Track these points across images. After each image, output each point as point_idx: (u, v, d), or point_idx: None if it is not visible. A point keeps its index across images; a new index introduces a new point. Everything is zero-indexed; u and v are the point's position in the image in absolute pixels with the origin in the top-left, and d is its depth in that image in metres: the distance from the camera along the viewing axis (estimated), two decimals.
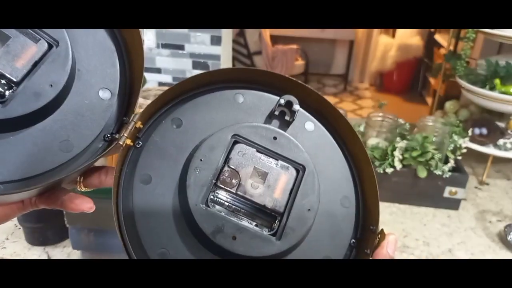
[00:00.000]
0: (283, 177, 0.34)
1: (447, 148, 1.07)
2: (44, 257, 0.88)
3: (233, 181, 0.34)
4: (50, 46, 0.32)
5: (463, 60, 1.23)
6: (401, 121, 1.14)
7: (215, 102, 0.37)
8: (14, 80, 0.31)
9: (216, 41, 1.59)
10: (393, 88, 4.13)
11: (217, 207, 0.33)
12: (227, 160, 0.34)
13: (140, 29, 0.36)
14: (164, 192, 0.33)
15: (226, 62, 1.51)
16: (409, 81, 4.13)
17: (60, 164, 0.33)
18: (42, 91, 0.31)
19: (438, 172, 1.01)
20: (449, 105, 1.36)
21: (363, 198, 0.36)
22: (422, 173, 1.01)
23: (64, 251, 0.89)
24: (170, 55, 1.66)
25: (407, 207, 1.06)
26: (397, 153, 1.02)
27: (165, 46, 1.66)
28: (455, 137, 1.08)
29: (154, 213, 0.33)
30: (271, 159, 0.35)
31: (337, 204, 0.35)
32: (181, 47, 1.60)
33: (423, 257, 0.89)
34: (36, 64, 0.32)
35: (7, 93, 0.31)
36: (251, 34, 3.37)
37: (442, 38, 3.29)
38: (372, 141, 1.12)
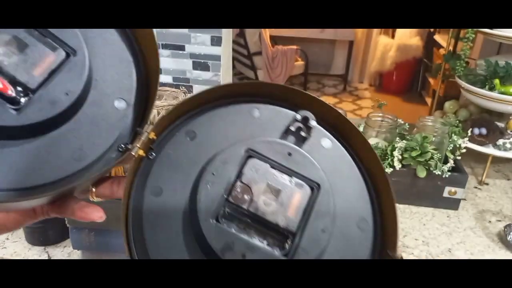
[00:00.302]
0: (297, 195, 0.33)
1: (446, 148, 1.07)
2: (44, 257, 0.88)
3: (245, 197, 0.32)
4: (67, 55, 0.32)
5: (462, 60, 1.23)
6: (400, 121, 1.14)
7: (230, 116, 0.36)
8: (31, 87, 0.31)
9: (216, 41, 1.59)
10: (393, 88, 4.13)
11: (228, 223, 0.32)
12: (239, 175, 0.33)
13: (156, 41, 0.36)
14: (175, 205, 0.33)
15: (226, 63, 1.51)
16: (408, 81, 4.13)
17: (73, 173, 0.33)
18: (58, 99, 0.31)
19: (437, 172, 1.01)
20: (448, 105, 1.36)
21: (381, 220, 0.34)
22: (422, 173, 1.01)
23: (64, 251, 0.89)
24: (170, 55, 1.66)
25: (406, 207, 1.06)
26: (396, 153, 1.02)
27: (165, 46, 1.66)
28: (455, 137, 1.08)
29: (163, 225, 0.32)
30: (285, 176, 0.34)
31: (354, 226, 0.34)
32: (182, 48, 1.60)
33: (423, 257, 0.89)
34: (53, 73, 0.32)
35: (22, 100, 0.31)
36: (251, 34, 3.37)
37: (441, 38, 3.29)
38: (371, 141, 1.12)
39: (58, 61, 0.32)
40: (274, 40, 3.71)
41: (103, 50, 0.36)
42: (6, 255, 0.86)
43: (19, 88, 0.30)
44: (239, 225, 0.32)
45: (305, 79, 4.03)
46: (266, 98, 0.37)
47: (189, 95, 0.37)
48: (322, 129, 0.36)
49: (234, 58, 3.42)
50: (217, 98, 0.37)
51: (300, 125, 0.35)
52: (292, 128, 0.35)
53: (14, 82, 0.30)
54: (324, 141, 0.36)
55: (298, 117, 0.35)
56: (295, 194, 0.33)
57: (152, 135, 0.34)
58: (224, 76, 1.45)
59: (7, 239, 0.90)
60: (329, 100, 4.04)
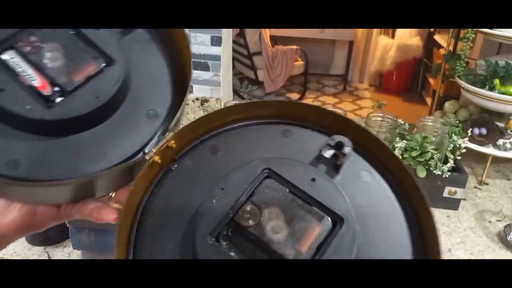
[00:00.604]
0: (315, 228, 0.28)
1: (446, 148, 1.07)
2: (45, 257, 0.88)
3: (253, 219, 0.29)
4: (107, 64, 0.35)
5: (462, 60, 1.23)
6: (400, 121, 1.14)
7: (258, 135, 0.35)
8: (66, 89, 0.33)
9: (216, 41, 1.59)
10: (393, 88, 4.13)
11: (228, 244, 0.29)
12: (252, 194, 0.30)
13: (192, 58, 0.37)
14: (180, 219, 0.31)
15: (226, 63, 1.51)
16: (408, 81, 4.13)
17: (92, 173, 0.33)
18: (87, 101, 0.33)
19: (437, 172, 1.01)
20: (448, 105, 1.36)
21: None
22: (422, 173, 1.01)
23: (64, 251, 0.89)
24: None
25: None
26: (396, 153, 1.02)
27: None
28: (455, 137, 1.08)
29: (164, 237, 0.31)
30: (305, 203, 0.30)
31: None
32: None
33: None
34: (90, 79, 0.34)
35: (57, 99, 0.33)
36: (251, 34, 3.37)
37: (441, 38, 3.29)
38: None
39: (97, 69, 0.34)
40: (274, 40, 3.71)
41: (144, 63, 0.37)
42: (6, 255, 0.86)
43: (56, 89, 0.33)
44: (240, 248, 0.29)
45: (305, 79, 4.03)
46: (301, 122, 0.35)
47: (215, 110, 0.36)
48: (361, 157, 0.33)
49: (234, 58, 3.42)
50: (247, 115, 0.35)
51: (335, 151, 0.32)
52: (327, 155, 0.32)
53: (53, 83, 0.33)
54: (364, 173, 0.32)
55: (331, 142, 0.32)
56: (312, 225, 0.29)
57: (172, 143, 0.34)
58: (224, 76, 1.45)
59: None
60: (329, 100, 4.04)
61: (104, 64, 0.35)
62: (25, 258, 0.86)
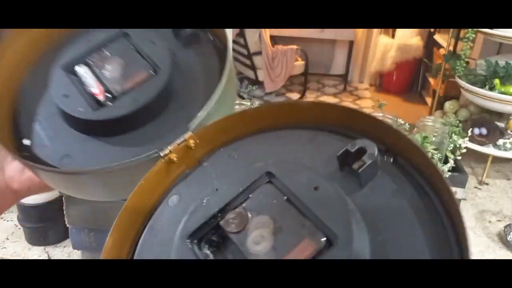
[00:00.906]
0: (303, 243, 0.25)
1: (446, 148, 1.06)
2: (44, 257, 0.88)
3: (237, 225, 0.26)
4: (155, 72, 0.38)
5: (462, 60, 1.23)
6: (400, 121, 1.14)
7: (283, 142, 0.32)
8: (115, 95, 0.38)
9: None
10: (393, 88, 4.13)
11: (208, 247, 0.28)
12: (246, 199, 0.28)
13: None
14: (178, 219, 0.30)
15: None
16: (408, 81, 4.13)
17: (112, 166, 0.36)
18: (128, 105, 0.37)
19: None
20: (448, 105, 1.36)
21: None
22: None
23: (64, 251, 0.89)
24: None
25: None
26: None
27: None
28: (455, 137, 1.08)
29: (161, 235, 0.31)
30: (299, 214, 0.26)
31: None
32: None
33: None
34: (137, 85, 0.38)
35: (107, 104, 0.38)
36: (251, 34, 3.37)
37: (441, 38, 3.28)
38: None
39: (145, 77, 0.38)
40: (274, 40, 3.71)
41: (191, 70, 0.40)
42: (6, 255, 0.86)
43: (108, 95, 0.38)
44: (217, 253, 0.27)
45: (305, 79, 4.03)
46: (331, 126, 0.31)
47: (237, 111, 0.35)
48: (396, 168, 0.28)
49: (234, 58, 3.41)
50: (275, 121, 0.33)
51: (355, 158, 0.27)
52: (356, 165, 0.27)
53: (107, 90, 0.38)
54: (393, 184, 0.27)
55: (352, 148, 0.27)
56: (300, 241, 0.25)
57: (191, 143, 0.34)
58: None
59: (7, 239, 0.90)
60: (329, 100, 4.04)
61: (152, 73, 0.38)
62: (25, 258, 0.86)
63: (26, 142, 0.39)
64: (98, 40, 0.39)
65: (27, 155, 0.38)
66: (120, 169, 0.34)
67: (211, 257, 0.27)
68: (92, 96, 0.38)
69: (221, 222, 0.27)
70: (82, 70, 0.39)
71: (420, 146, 0.27)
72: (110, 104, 0.38)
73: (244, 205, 0.27)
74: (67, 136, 0.38)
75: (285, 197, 0.27)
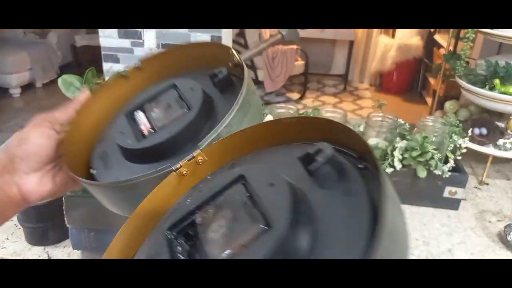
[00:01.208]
0: (248, 230, 0.28)
1: (447, 148, 1.07)
2: (44, 257, 0.88)
3: (204, 218, 0.31)
4: (188, 109, 0.46)
5: (462, 60, 1.23)
6: (400, 121, 1.14)
7: (273, 154, 0.37)
8: (155, 130, 0.47)
9: (216, 41, 1.58)
10: (393, 88, 4.13)
11: (180, 238, 0.32)
12: (218, 197, 0.33)
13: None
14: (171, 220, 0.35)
15: None
16: (408, 81, 4.13)
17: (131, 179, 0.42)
18: (160, 137, 0.45)
19: (437, 172, 1.01)
20: (448, 105, 1.36)
21: None
22: (422, 173, 1.01)
23: (64, 251, 0.89)
24: None
25: (406, 207, 1.06)
26: (396, 153, 1.02)
27: (165, 46, 1.65)
28: (455, 137, 1.08)
29: (156, 236, 0.35)
30: (252, 207, 0.30)
31: None
32: None
33: (423, 257, 0.89)
34: (175, 121, 0.46)
35: (149, 136, 0.47)
36: (251, 34, 3.37)
37: (441, 38, 3.29)
38: (372, 141, 1.12)
39: (180, 114, 0.47)
40: None
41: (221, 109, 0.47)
42: (6, 255, 0.86)
43: (151, 130, 0.47)
44: (185, 244, 0.32)
45: (305, 79, 4.03)
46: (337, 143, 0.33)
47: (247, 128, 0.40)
48: (367, 174, 0.30)
49: None
50: (281, 140, 0.38)
51: (314, 160, 0.30)
52: (307, 164, 0.31)
53: (152, 127, 0.47)
54: (343, 182, 0.29)
55: (312, 150, 0.30)
56: (248, 228, 0.29)
57: (199, 160, 0.39)
58: None
59: (7, 239, 0.91)
60: (329, 100, 4.04)
61: (186, 110, 0.46)
62: (25, 258, 0.86)
63: (93, 171, 0.48)
64: (153, 92, 0.50)
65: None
66: (140, 182, 0.39)
67: (186, 247, 0.31)
68: (140, 132, 0.47)
69: (197, 217, 0.32)
70: (138, 114, 0.50)
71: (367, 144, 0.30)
72: (148, 134, 0.47)
73: (215, 201, 0.32)
74: (119, 164, 0.47)
75: (247, 194, 0.31)
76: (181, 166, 0.39)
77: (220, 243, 0.29)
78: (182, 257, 0.31)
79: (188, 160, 0.39)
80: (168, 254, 0.31)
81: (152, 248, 0.34)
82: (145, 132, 0.47)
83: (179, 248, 0.32)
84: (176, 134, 0.44)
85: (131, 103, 0.51)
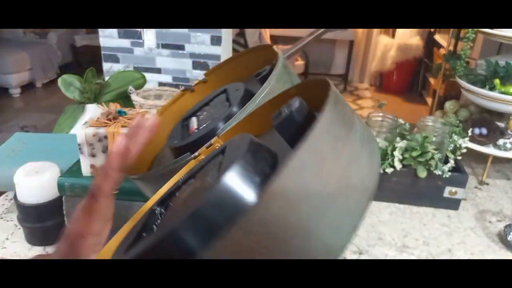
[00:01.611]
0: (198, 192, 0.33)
1: (447, 148, 1.07)
2: None
3: (181, 191, 0.35)
4: (229, 114, 0.50)
5: (462, 60, 1.23)
6: (401, 121, 1.14)
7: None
8: (200, 128, 0.52)
9: (216, 41, 1.58)
10: (393, 88, 4.13)
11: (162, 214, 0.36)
12: (201, 169, 0.36)
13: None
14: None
15: None
16: (409, 81, 4.13)
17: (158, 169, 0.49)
18: (199, 133, 0.50)
19: (438, 172, 1.01)
20: (449, 105, 1.36)
21: None
22: (422, 173, 1.01)
23: None
24: (170, 55, 1.66)
25: (406, 207, 1.06)
26: (397, 153, 1.02)
27: (165, 46, 1.65)
28: (455, 137, 1.08)
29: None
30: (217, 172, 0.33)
31: None
32: (181, 47, 1.60)
33: (423, 257, 0.89)
34: (215, 119, 0.51)
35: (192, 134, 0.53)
36: (251, 34, 3.37)
37: (442, 38, 3.29)
38: None
39: (222, 112, 0.51)
40: (274, 40, 3.72)
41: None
42: (6, 255, 0.86)
43: (196, 130, 0.53)
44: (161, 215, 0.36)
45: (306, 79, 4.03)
46: None
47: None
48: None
49: None
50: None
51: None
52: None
53: (197, 127, 0.53)
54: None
55: (285, 107, 0.33)
56: (198, 192, 0.32)
57: (216, 144, 0.42)
58: None
59: (7, 239, 0.91)
60: None
61: (227, 108, 0.50)
62: (25, 258, 0.86)
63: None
64: (206, 99, 0.56)
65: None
66: (167, 171, 0.42)
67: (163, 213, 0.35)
68: (188, 132, 0.54)
69: (177, 193, 0.36)
70: (191, 119, 0.57)
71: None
72: (193, 134, 0.52)
73: (198, 174, 0.35)
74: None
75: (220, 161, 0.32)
76: (199, 154, 0.42)
77: (171, 216, 0.33)
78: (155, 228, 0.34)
79: (207, 148, 0.42)
80: (144, 225, 0.34)
81: (139, 222, 0.37)
82: (191, 132, 0.53)
83: (158, 221, 0.34)
84: (212, 128, 0.48)
85: (188, 112, 0.58)
